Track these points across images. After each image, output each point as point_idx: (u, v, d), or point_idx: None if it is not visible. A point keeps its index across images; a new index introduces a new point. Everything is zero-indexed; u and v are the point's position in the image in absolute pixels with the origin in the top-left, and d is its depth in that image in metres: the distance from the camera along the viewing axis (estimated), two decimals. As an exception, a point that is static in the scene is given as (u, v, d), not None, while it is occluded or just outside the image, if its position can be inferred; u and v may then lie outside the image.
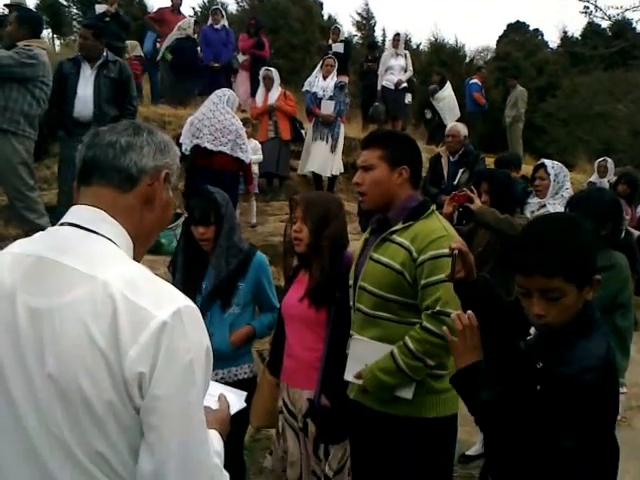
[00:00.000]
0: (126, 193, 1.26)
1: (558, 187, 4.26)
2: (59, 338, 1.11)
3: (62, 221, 1.24)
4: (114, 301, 1.11)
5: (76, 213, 1.24)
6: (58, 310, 1.12)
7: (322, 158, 7.71)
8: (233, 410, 1.50)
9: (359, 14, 23.96)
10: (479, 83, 11.23)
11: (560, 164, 4.43)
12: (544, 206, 4.29)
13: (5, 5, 5.36)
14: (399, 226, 2.35)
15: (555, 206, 4.20)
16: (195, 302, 2.83)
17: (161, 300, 1.14)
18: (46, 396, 1.12)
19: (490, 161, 6.76)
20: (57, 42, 18.46)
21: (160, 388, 1.10)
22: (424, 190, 5.40)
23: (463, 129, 5.87)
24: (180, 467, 1.12)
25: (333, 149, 7.72)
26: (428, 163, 6.09)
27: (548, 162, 4.39)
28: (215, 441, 1.29)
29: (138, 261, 1.28)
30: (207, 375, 1.20)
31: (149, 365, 1.09)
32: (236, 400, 1.61)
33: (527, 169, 7.97)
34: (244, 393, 1.75)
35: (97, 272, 1.14)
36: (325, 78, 7.92)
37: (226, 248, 2.85)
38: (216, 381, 2.70)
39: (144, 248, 1.34)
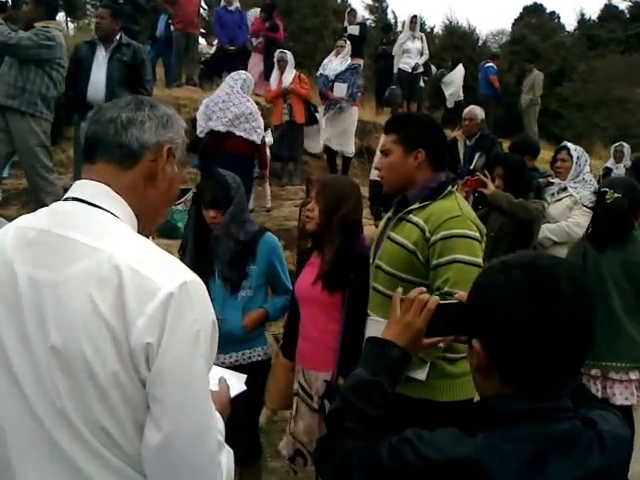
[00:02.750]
0: (129, 170, 1.23)
1: (579, 170, 4.29)
2: (63, 309, 1.11)
3: (66, 196, 1.23)
4: (120, 272, 1.10)
5: (79, 188, 1.23)
6: (63, 282, 1.12)
7: (325, 136, 7.72)
8: (233, 393, 1.48)
9: (371, -3, 23.58)
10: (495, 67, 11.08)
11: (581, 148, 4.47)
12: (565, 189, 4.31)
13: None
14: (416, 205, 2.35)
15: (577, 190, 4.24)
16: (207, 285, 2.83)
17: (167, 272, 1.13)
18: (48, 369, 1.12)
19: (506, 146, 6.70)
20: (71, 25, 18.44)
21: (167, 359, 1.09)
22: None
23: (480, 113, 5.83)
24: (185, 439, 1.11)
25: (333, 120, 7.68)
26: None
27: (570, 145, 4.44)
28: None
29: (146, 237, 1.27)
30: (213, 348, 1.19)
31: (156, 336, 1.08)
32: (236, 383, 1.59)
33: (542, 154, 7.93)
34: (244, 376, 1.73)
35: (102, 244, 1.13)
36: (337, 59, 7.88)
37: (236, 231, 2.84)
38: (230, 364, 2.79)
39: (151, 225, 1.33)
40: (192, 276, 1.16)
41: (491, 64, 11.17)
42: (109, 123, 1.23)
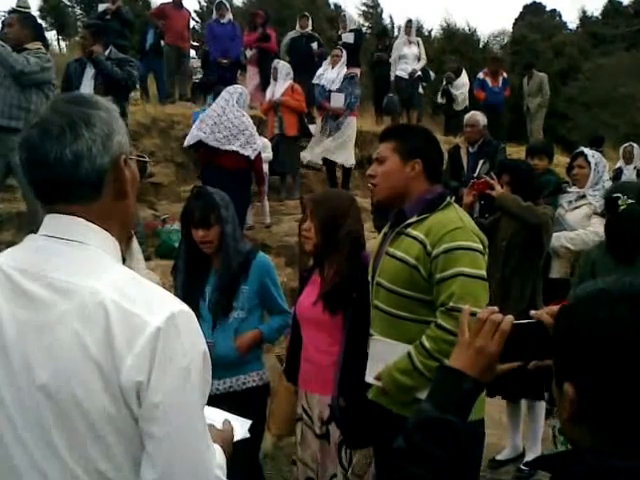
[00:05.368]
0: (95, 201, 1.17)
1: (598, 177, 4.16)
2: (51, 351, 1.08)
3: (41, 232, 1.17)
4: (106, 309, 1.07)
5: (54, 223, 1.17)
6: (48, 323, 1.09)
7: (324, 147, 7.63)
8: (235, 438, 1.46)
9: (364, 3, 23.57)
10: (481, 77, 10.51)
11: (599, 153, 4.36)
12: (583, 197, 4.18)
13: (13, 10, 5.44)
14: (414, 219, 2.29)
15: (595, 197, 4.10)
16: (198, 307, 2.65)
17: (154, 305, 1.10)
18: (37, 411, 1.10)
19: (511, 150, 6.49)
20: (62, 44, 18.52)
21: (157, 395, 1.07)
22: (444, 184, 5.22)
23: (482, 118, 5.68)
24: (180, 476, 1.10)
25: (332, 134, 7.56)
26: (447, 155, 5.89)
27: (587, 150, 4.30)
28: (217, 454, 1.24)
29: (125, 241, 1.28)
30: (206, 380, 1.16)
31: (146, 373, 1.06)
32: (239, 428, 1.55)
33: (556, 160, 7.70)
34: (249, 422, 1.65)
35: (84, 281, 1.10)
36: (333, 69, 7.72)
37: (233, 252, 2.77)
38: (224, 390, 2.76)
39: (130, 228, 1.32)
40: (179, 306, 1.13)
41: (479, 75, 10.61)
42: (57, 166, 1.13)
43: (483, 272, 2.19)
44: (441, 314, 2.17)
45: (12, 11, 5.33)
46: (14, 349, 1.11)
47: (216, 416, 1.49)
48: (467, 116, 5.76)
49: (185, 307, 1.13)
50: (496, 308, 1.24)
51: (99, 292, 1.08)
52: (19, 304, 1.12)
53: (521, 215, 3.63)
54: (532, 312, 1.22)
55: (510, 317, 1.21)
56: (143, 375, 1.06)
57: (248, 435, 1.60)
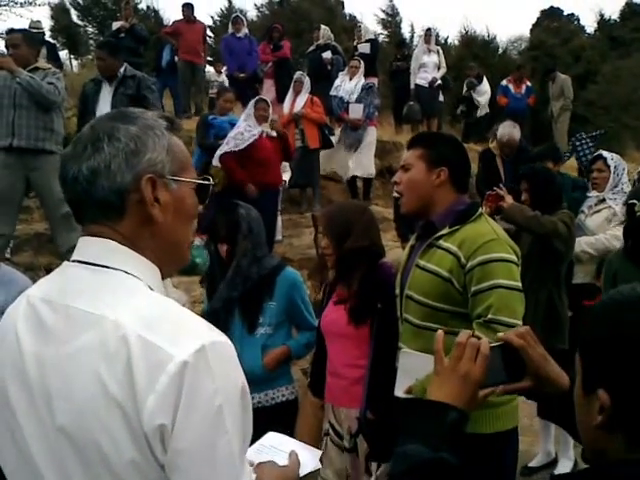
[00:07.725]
0: (120, 221, 1.08)
1: (617, 180, 4.09)
2: (70, 389, 1.00)
3: (72, 258, 1.11)
4: (127, 343, 0.97)
5: (83, 248, 1.11)
6: (67, 358, 1.01)
7: (343, 159, 7.58)
8: (305, 470, 1.37)
9: (383, 11, 23.42)
10: (504, 84, 10.52)
11: (618, 155, 4.30)
12: (603, 200, 4.11)
13: (12, 29, 5.38)
14: (445, 231, 2.26)
15: (616, 201, 4.06)
16: (227, 323, 2.63)
17: (182, 336, 0.98)
18: (60, 451, 1.01)
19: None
20: (74, 62, 18.74)
21: (183, 441, 0.95)
22: (478, 191, 5.21)
23: (517, 132, 5.58)
24: None
25: (354, 148, 7.48)
26: (479, 160, 5.86)
27: (606, 154, 4.22)
28: None
29: (171, 273, 1.16)
30: (245, 419, 1.04)
31: (170, 416, 0.95)
32: (310, 459, 1.46)
33: (571, 162, 7.54)
34: (319, 452, 1.57)
35: (107, 311, 1.01)
36: (351, 80, 7.68)
37: (247, 265, 2.77)
38: (253, 406, 2.56)
39: (181, 257, 1.16)
40: (213, 337, 1.00)
41: (503, 82, 10.62)
42: (75, 184, 1.08)
43: (519, 283, 2.17)
44: (479, 326, 2.12)
45: (11, 30, 5.20)
46: (37, 386, 1.04)
47: (285, 445, 1.42)
48: (504, 135, 5.55)
49: (221, 337, 1.02)
50: (470, 332, 1.19)
51: (122, 324, 0.99)
52: (40, 337, 1.05)
53: (527, 226, 3.62)
54: (499, 334, 1.20)
55: (486, 340, 1.16)
56: (166, 418, 0.94)
57: (320, 466, 1.51)
